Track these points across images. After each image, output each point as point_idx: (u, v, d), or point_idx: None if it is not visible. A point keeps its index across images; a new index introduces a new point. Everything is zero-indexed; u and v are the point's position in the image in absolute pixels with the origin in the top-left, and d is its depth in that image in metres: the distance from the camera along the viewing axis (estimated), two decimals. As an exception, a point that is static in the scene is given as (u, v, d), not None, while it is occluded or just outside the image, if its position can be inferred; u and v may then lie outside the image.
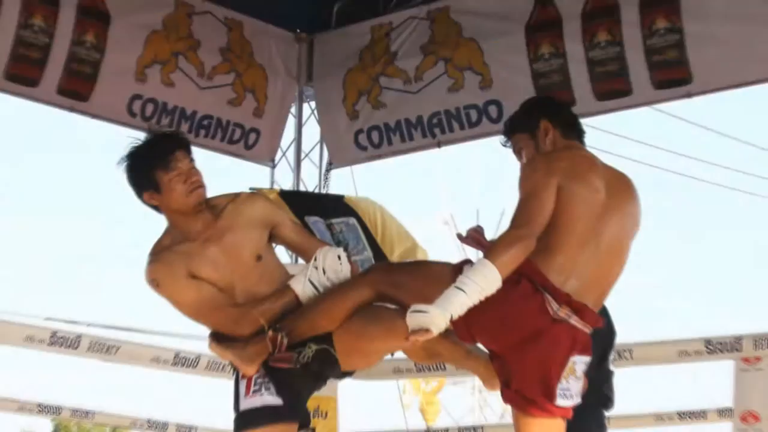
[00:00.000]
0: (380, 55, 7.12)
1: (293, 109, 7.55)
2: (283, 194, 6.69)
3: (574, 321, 3.64)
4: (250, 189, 5.38)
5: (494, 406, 24.48)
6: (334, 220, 6.48)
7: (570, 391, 3.66)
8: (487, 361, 3.88)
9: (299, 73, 7.47)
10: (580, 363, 3.68)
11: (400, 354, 4.28)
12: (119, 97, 6.61)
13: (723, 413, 6.25)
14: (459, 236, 4.05)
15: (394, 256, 6.46)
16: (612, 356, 4.43)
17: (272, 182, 7.41)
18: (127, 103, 6.65)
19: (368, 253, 6.43)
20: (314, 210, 6.49)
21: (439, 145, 6.97)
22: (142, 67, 6.69)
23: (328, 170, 7.47)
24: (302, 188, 7.45)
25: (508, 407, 3.76)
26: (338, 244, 6.23)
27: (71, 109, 6.44)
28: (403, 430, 7.82)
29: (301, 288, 3.95)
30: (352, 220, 6.53)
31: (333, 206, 6.66)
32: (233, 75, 7.11)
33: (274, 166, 7.47)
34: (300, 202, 6.54)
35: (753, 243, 44.69)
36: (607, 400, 4.42)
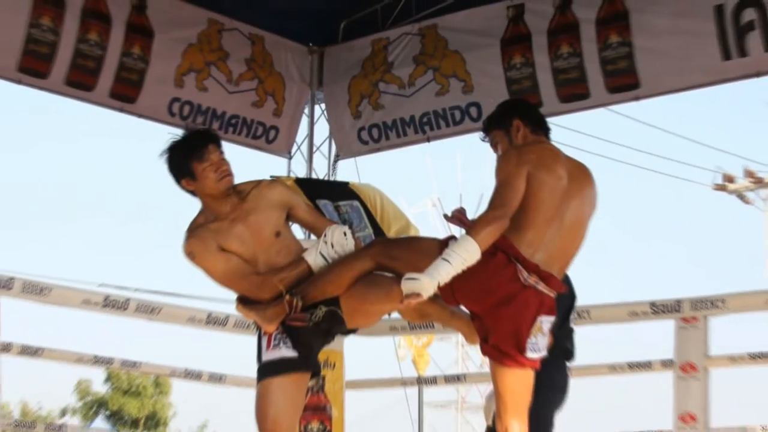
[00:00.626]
0: (379, 64, 7.10)
1: (307, 110, 7.53)
2: (298, 181, 6.66)
3: (542, 287, 3.64)
4: (271, 177, 5.37)
5: (475, 359, 24.43)
6: (340, 203, 6.44)
7: (538, 345, 3.67)
8: (468, 321, 3.89)
9: (311, 79, 7.45)
10: (546, 322, 3.69)
11: (396, 314, 4.28)
12: (161, 100, 6.61)
13: (666, 364, 6.23)
14: (445, 216, 4.04)
15: (391, 232, 6.43)
16: (573, 316, 4.42)
17: (289, 171, 7.40)
18: (168, 105, 6.64)
19: (369, 230, 6.40)
20: (324, 194, 6.45)
21: (428, 140, 6.96)
22: (180, 74, 6.68)
23: (335, 161, 7.45)
24: (314, 176, 7.44)
25: (486, 359, 3.76)
26: (344, 222, 6.20)
27: (121, 110, 6.44)
28: (399, 377, 7.81)
29: (313, 259, 3.95)
30: (356, 203, 6.49)
31: (340, 191, 6.62)
32: (256, 81, 7.09)
33: (290, 158, 7.46)
34: (312, 188, 6.50)
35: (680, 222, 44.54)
36: (569, 354, 4.41)
